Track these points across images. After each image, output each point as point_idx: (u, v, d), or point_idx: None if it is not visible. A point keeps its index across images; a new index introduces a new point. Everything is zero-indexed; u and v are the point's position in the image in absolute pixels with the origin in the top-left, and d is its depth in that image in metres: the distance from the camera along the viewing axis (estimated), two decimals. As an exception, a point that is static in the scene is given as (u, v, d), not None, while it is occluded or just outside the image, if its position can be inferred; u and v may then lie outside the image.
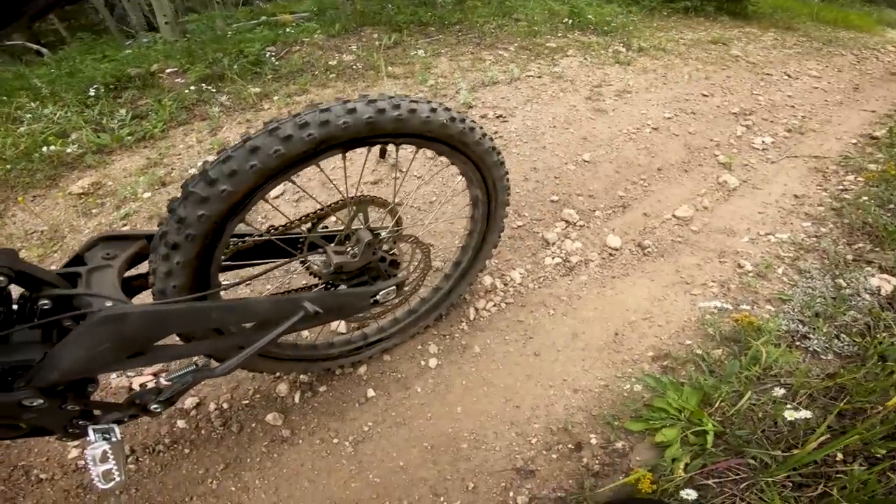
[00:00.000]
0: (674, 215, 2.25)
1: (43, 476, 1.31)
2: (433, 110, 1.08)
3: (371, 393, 1.48)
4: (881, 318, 1.59)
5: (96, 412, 0.97)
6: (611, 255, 2.02)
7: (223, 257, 1.08)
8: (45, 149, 2.44)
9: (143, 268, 1.02)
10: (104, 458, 0.92)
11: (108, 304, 0.86)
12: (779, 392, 1.34)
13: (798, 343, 1.59)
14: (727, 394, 1.37)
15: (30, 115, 2.70)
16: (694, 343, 1.63)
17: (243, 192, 0.91)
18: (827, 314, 1.67)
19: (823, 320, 1.64)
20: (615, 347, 1.64)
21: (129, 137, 2.61)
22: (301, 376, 1.51)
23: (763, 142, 2.93)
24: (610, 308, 1.78)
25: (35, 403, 0.83)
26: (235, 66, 3.36)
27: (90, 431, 0.94)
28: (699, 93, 3.47)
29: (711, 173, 2.60)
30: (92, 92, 2.98)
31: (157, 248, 0.92)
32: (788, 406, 1.27)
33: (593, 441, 1.37)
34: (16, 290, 0.87)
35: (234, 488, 1.29)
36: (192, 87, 3.14)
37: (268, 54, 3.58)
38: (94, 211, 2.14)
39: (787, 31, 5.80)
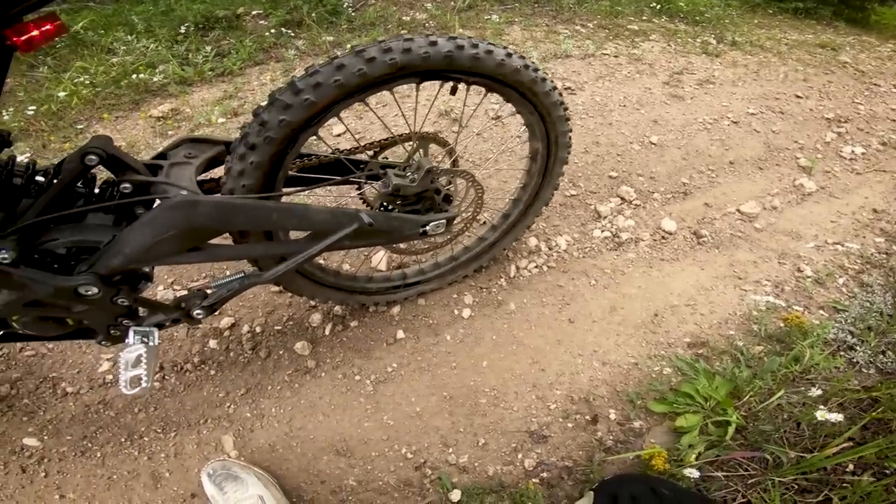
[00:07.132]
0: (738, 210, 2.14)
1: (70, 389, 1.33)
2: (509, 55, 1.13)
3: (400, 334, 1.52)
4: (934, 341, 1.49)
5: (142, 312, 1.02)
6: (663, 238, 1.96)
7: (293, 170, 1.16)
8: (133, 77, 2.62)
9: (217, 173, 1.10)
10: (136, 363, 0.96)
11: (184, 193, 0.93)
12: (815, 392, 1.29)
13: (843, 353, 1.51)
14: (759, 389, 1.33)
15: (124, 48, 2.87)
16: (736, 335, 1.57)
17: (324, 104, 0.98)
18: (879, 329, 1.58)
19: (875, 335, 1.55)
20: (652, 328, 1.60)
21: (210, 72, 2.76)
22: (336, 308, 1.57)
23: (853, 151, 2.70)
24: (654, 289, 1.74)
25: (90, 292, 0.87)
26: (314, 14, 3.43)
27: (131, 333, 0.98)
28: (792, 93, 3.22)
29: (788, 175, 2.43)
30: (182, 30, 3.14)
31: (235, 148, 0.99)
32: (821, 408, 1.22)
33: (612, 416, 1.37)
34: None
35: (249, 414, 1.33)
36: (272, 31, 3.25)
37: (345, 4, 3.62)
38: (169, 132, 2.28)
39: (911, 45, 5.22)
